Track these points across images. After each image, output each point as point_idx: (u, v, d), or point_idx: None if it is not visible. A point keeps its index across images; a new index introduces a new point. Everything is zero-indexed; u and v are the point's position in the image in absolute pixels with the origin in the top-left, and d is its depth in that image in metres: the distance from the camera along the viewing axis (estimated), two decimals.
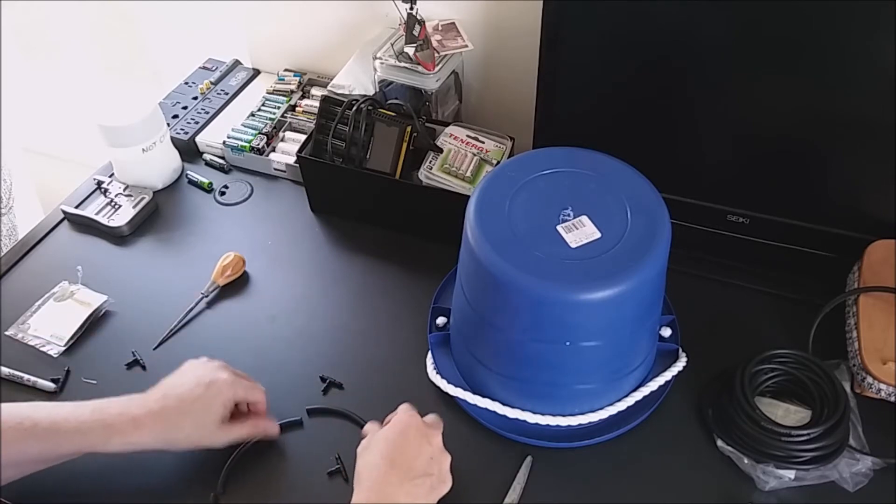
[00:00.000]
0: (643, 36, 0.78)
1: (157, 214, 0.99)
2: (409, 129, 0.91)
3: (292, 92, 1.12)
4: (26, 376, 0.80)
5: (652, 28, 0.77)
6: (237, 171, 1.06)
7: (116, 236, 0.96)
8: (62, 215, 0.98)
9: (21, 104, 1.50)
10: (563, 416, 0.73)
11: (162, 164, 1.02)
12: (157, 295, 0.89)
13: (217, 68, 1.19)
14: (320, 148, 0.93)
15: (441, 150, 0.93)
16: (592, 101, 0.87)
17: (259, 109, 1.09)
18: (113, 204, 0.98)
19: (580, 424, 0.74)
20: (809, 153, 0.80)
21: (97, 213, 0.97)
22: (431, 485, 0.63)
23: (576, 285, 0.63)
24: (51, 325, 0.85)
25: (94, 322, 0.86)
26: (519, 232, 0.67)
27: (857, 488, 0.70)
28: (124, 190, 1.00)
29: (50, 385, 0.79)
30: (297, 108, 1.09)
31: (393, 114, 0.92)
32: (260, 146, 1.04)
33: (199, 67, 1.20)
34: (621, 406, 0.74)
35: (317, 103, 0.98)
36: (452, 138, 0.94)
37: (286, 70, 1.16)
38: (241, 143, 1.04)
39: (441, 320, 0.84)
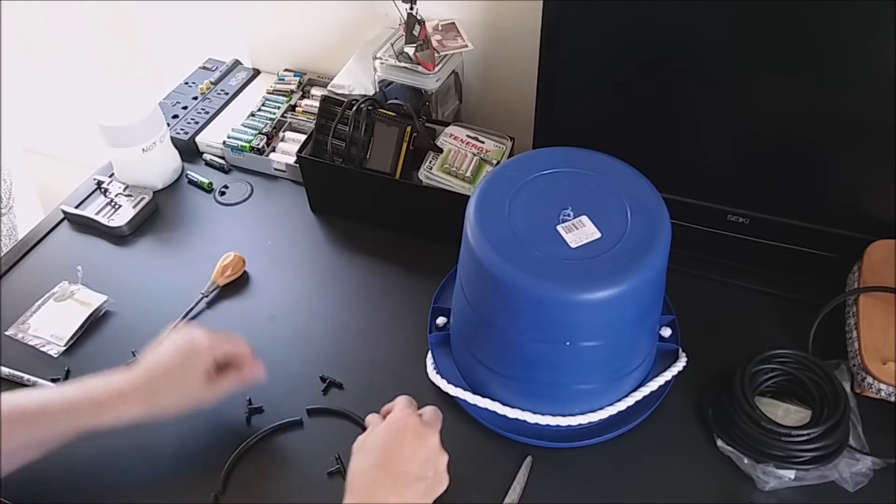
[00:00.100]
0: (643, 36, 0.78)
1: (157, 214, 0.99)
2: (409, 129, 0.91)
3: (292, 92, 1.12)
4: (26, 376, 0.80)
5: (652, 28, 0.77)
6: (237, 171, 1.06)
7: (116, 236, 0.96)
8: (62, 215, 0.99)
9: (21, 104, 1.50)
10: (563, 416, 0.73)
11: (162, 164, 1.02)
12: (157, 295, 0.89)
13: (217, 68, 1.19)
14: (320, 148, 0.93)
15: (441, 150, 0.93)
16: (592, 101, 0.87)
17: (259, 109, 1.09)
18: (113, 204, 0.98)
19: (580, 424, 0.74)
20: (809, 153, 0.80)
21: (97, 213, 0.97)
22: (427, 487, 0.62)
23: (576, 285, 0.63)
24: (51, 325, 0.85)
25: (94, 322, 0.86)
26: (519, 232, 0.67)
27: (857, 488, 0.70)
28: (124, 190, 1.00)
29: (50, 385, 0.79)
30: (297, 108, 1.09)
31: (393, 114, 0.92)
32: (260, 146, 1.04)
33: (199, 67, 1.20)
34: (621, 406, 0.74)
35: (317, 103, 0.98)
36: (452, 138, 0.94)
37: (286, 70, 1.16)
38: (241, 143, 1.04)
39: (441, 320, 0.84)
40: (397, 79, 0.96)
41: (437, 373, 0.79)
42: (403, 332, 0.85)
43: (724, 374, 0.76)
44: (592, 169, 0.72)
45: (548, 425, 0.74)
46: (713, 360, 0.79)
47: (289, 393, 0.79)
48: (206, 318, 0.87)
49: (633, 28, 0.78)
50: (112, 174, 1.02)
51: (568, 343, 0.67)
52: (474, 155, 0.92)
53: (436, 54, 0.94)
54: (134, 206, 0.98)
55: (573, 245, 0.66)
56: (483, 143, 0.94)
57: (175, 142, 1.05)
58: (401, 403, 0.66)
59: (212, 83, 1.16)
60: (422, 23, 0.93)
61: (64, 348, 0.83)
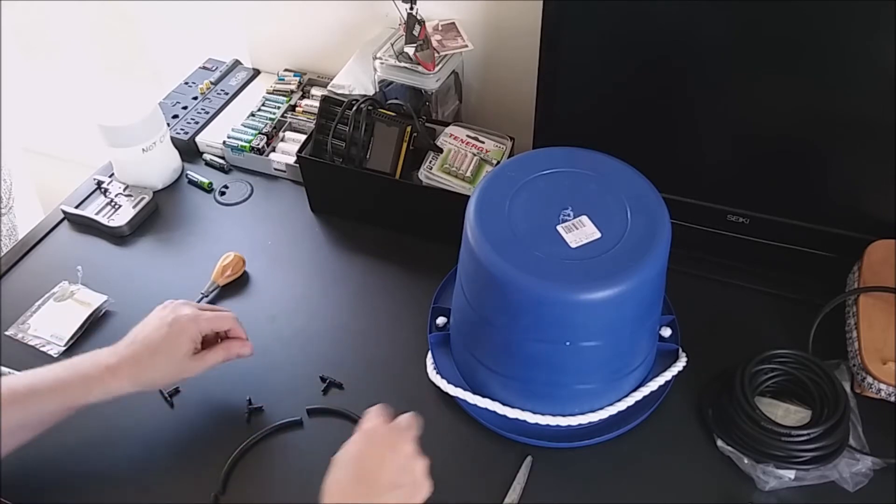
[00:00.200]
0: (643, 36, 0.78)
1: (157, 214, 0.99)
2: (409, 129, 0.91)
3: (292, 92, 1.12)
4: None
5: (652, 28, 0.77)
6: (237, 171, 1.06)
7: (116, 236, 0.96)
8: (62, 215, 0.98)
9: (21, 104, 1.50)
10: (563, 416, 0.73)
11: (162, 164, 1.02)
12: (157, 295, 0.88)
13: (217, 68, 1.19)
14: (320, 148, 0.93)
15: (441, 150, 0.93)
16: (592, 101, 0.87)
17: (259, 109, 1.09)
18: (113, 204, 0.98)
19: (580, 424, 0.74)
20: (809, 153, 0.80)
21: (97, 213, 0.97)
22: (406, 494, 0.60)
23: (576, 285, 0.63)
24: (51, 325, 0.85)
25: (94, 322, 0.86)
26: (519, 232, 0.67)
27: (857, 488, 0.70)
28: (124, 190, 1.00)
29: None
30: (297, 108, 1.09)
31: (393, 114, 0.92)
32: (260, 146, 1.04)
33: (199, 67, 1.20)
34: (621, 406, 0.74)
35: (317, 103, 0.98)
36: (452, 138, 0.94)
37: (286, 70, 1.16)
38: (241, 143, 1.04)
39: (441, 320, 0.84)
40: (397, 79, 0.96)
41: (437, 373, 0.79)
42: (403, 332, 0.85)
43: (724, 374, 0.76)
44: (592, 169, 0.72)
45: (548, 425, 0.74)
46: (713, 360, 0.79)
47: (289, 393, 0.79)
48: None
49: (633, 28, 0.78)
50: (112, 174, 1.02)
51: (568, 343, 0.67)
52: (474, 155, 0.92)
53: (436, 54, 0.94)
54: (134, 206, 0.98)
55: (573, 245, 0.66)
56: (483, 143, 0.94)
57: (175, 142, 1.05)
58: (372, 413, 0.65)
59: (212, 83, 1.16)
60: (422, 23, 0.93)
61: (64, 348, 0.83)
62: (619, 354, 0.71)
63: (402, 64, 0.94)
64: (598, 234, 0.67)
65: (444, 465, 0.73)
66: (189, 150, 1.07)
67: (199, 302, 0.87)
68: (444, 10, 0.98)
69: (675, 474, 0.72)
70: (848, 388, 0.75)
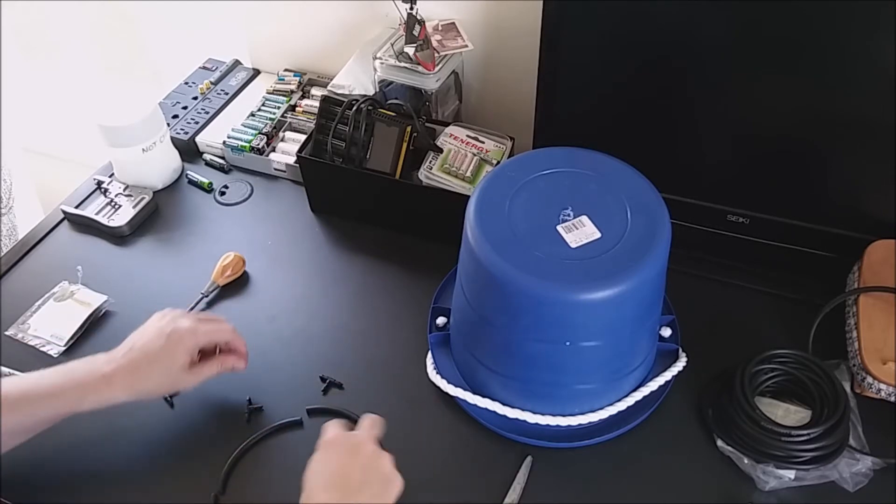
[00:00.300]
0: (643, 36, 0.78)
1: (157, 214, 0.99)
2: (409, 129, 0.91)
3: (292, 92, 1.12)
4: None
5: (652, 28, 0.77)
6: (237, 171, 1.06)
7: (116, 236, 0.96)
8: (62, 215, 0.98)
9: (21, 104, 1.50)
10: (563, 416, 0.73)
11: (162, 164, 1.02)
12: (157, 295, 0.89)
13: (217, 68, 1.19)
14: (320, 148, 0.93)
15: (441, 150, 0.93)
16: (592, 101, 0.87)
17: (259, 109, 1.09)
18: (113, 204, 0.98)
19: (580, 424, 0.74)
20: (809, 153, 0.80)
21: (97, 213, 0.97)
22: (378, 490, 0.61)
23: (576, 285, 0.63)
24: (51, 325, 0.85)
25: (94, 322, 0.86)
26: (519, 232, 0.67)
27: (857, 488, 0.70)
28: (124, 190, 1.00)
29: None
30: (297, 108, 1.09)
31: (393, 114, 0.92)
32: (260, 146, 1.04)
33: (199, 67, 1.20)
34: (621, 406, 0.74)
35: (317, 103, 0.98)
36: (452, 138, 0.94)
37: (286, 70, 1.16)
38: (241, 143, 1.04)
39: (441, 320, 0.84)
40: (397, 79, 0.96)
41: (437, 373, 0.79)
42: (403, 332, 0.85)
43: (724, 374, 0.76)
44: (592, 169, 0.72)
45: (548, 425, 0.74)
46: (713, 360, 0.79)
47: (289, 393, 0.79)
48: None
49: (633, 28, 0.78)
50: (112, 174, 1.02)
51: (568, 343, 0.67)
52: (474, 155, 0.92)
53: (436, 54, 0.94)
54: (134, 206, 0.98)
55: (573, 245, 0.66)
56: (483, 143, 0.94)
57: (175, 142, 1.05)
58: (329, 425, 0.67)
59: (212, 83, 1.16)
60: (422, 23, 0.93)
61: (64, 348, 0.83)
62: (619, 354, 0.71)
63: (402, 64, 0.94)
64: (598, 234, 0.67)
65: (444, 465, 0.73)
66: (189, 150, 1.07)
67: (198, 302, 0.87)
68: (444, 10, 0.99)
69: (675, 474, 0.72)
70: (848, 388, 0.75)
